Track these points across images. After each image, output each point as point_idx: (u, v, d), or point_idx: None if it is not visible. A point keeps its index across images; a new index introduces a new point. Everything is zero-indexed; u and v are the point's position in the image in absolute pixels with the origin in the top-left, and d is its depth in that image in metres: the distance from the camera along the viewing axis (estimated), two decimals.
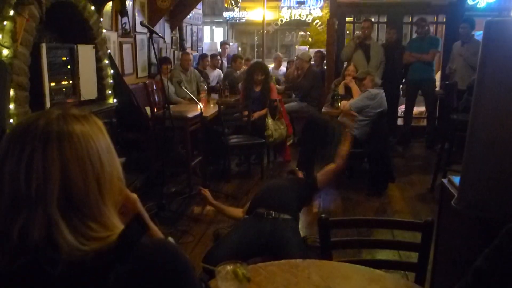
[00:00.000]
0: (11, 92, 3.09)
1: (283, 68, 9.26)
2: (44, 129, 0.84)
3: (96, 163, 0.87)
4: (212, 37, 15.67)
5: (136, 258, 0.83)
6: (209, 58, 7.86)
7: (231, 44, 11.62)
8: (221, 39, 13.81)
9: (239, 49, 14.23)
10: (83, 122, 0.88)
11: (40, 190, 0.81)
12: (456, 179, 2.06)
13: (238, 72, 7.43)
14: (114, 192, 0.92)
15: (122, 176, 0.95)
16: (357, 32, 7.45)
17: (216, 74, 7.96)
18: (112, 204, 0.91)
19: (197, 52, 9.37)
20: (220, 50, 9.80)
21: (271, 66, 8.68)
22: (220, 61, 8.59)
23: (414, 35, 6.96)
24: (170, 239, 1.13)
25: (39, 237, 0.80)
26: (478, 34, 6.11)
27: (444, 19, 7.40)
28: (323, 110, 5.63)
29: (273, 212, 2.77)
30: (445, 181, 2.31)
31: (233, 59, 7.80)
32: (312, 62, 7.49)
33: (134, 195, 1.06)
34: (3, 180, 0.84)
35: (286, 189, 3.08)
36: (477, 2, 7.45)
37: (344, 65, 6.28)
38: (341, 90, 5.49)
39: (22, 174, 0.82)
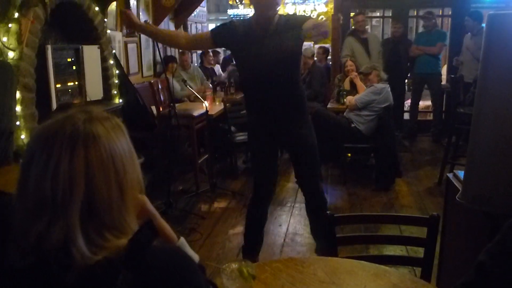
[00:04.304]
0: (18, 94, 3.11)
1: None
2: (71, 135, 0.84)
3: (120, 169, 0.87)
4: None
5: (144, 265, 0.83)
6: (211, 54, 7.86)
7: None
8: None
9: None
10: (106, 126, 0.88)
11: (66, 198, 0.82)
12: (461, 174, 2.05)
13: None
14: (135, 196, 0.92)
15: (141, 178, 0.96)
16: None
17: (217, 70, 8.04)
18: (133, 209, 0.91)
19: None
20: None
21: None
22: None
23: (420, 29, 6.93)
24: (182, 239, 1.14)
25: (56, 244, 0.81)
26: None
27: (450, 12, 7.35)
28: (328, 105, 5.62)
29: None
30: (450, 175, 2.30)
31: None
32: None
33: (143, 197, 1.05)
34: (28, 184, 0.84)
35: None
36: None
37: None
38: (346, 85, 5.49)
39: (48, 181, 0.82)
